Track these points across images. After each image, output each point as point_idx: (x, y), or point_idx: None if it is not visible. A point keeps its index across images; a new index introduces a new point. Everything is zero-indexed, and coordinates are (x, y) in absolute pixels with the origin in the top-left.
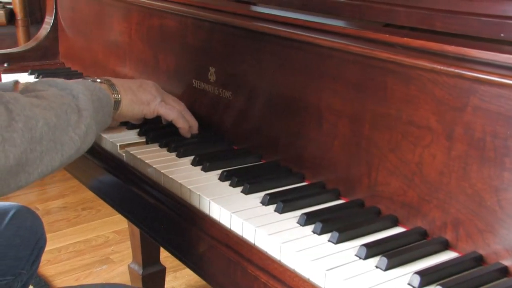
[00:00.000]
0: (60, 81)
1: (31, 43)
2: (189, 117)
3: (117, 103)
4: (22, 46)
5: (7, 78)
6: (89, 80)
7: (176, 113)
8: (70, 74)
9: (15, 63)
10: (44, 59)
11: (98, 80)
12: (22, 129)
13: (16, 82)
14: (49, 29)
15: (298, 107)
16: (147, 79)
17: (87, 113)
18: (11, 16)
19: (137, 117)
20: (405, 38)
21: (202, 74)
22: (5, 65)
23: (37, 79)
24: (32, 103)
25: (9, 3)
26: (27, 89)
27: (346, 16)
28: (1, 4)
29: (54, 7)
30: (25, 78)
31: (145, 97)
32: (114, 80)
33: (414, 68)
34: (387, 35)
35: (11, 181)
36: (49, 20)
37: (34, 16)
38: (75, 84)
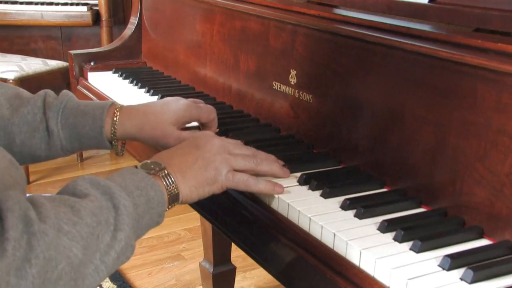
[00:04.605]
0: (104, 182)
1: (116, 43)
2: (265, 157)
3: (174, 197)
4: (108, 45)
5: (93, 76)
6: (142, 171)
7: (247, 179)
8: (151, 74)
9: (101, 62)
10: (127, 59)
11: (152, 172)
12: (34, 275)
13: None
14: (133, 29)
15: (380, 112)
16: (226, 81)
17: (123, 234)
18: (96, 17)
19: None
20: (499, 44)
21: (283, 77)
22: (92, 63)
23: (85, 179)
24: (61, 229)
25: (96, 5)
26: (68, 187)
27: (433, 20)
28: (89, 5)
29: (139, 8)
30: (109, 76)
31: (208, 176)
32: (168, 162)
33: (508, 75)
34: (480, 40)
35: None
36: (133, 20)
37: (117, 17)
38: (121, 188)
